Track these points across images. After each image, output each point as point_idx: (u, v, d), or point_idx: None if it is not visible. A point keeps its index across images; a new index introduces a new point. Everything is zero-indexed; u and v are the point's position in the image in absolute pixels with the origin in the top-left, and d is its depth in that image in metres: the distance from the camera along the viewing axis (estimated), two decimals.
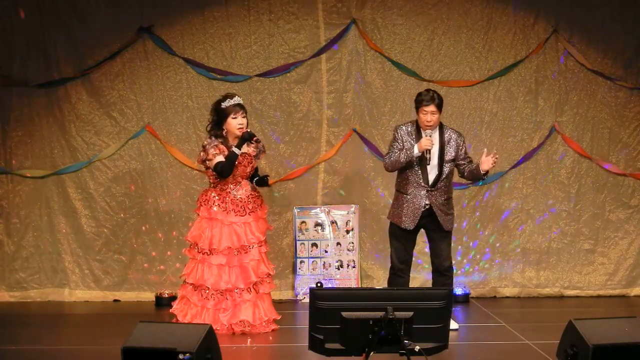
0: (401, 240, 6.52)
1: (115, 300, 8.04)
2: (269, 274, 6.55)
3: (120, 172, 8.08)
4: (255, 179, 6.65)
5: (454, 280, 7.96)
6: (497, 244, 8.18)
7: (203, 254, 6.41)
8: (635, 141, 8.21)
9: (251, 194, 6.56)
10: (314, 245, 8.05)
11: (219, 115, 6.47)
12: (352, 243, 8.05)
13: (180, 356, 4.27)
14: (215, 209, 6.43)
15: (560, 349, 4.70)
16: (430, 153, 6.32)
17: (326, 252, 8.04)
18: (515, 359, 5.74)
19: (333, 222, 8.05)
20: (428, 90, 6.49)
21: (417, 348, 3.93)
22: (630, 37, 8.15)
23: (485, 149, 6.52)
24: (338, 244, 8.06)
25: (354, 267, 8.03)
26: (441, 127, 6.48)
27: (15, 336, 6.54)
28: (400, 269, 6.52)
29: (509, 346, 6.06)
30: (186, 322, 6.29)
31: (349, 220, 8.06)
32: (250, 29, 8.10)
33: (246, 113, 6.53)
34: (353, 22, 8.07)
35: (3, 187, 8.06)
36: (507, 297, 8.14)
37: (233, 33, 8.09)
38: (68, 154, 8.05)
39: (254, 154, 6.57)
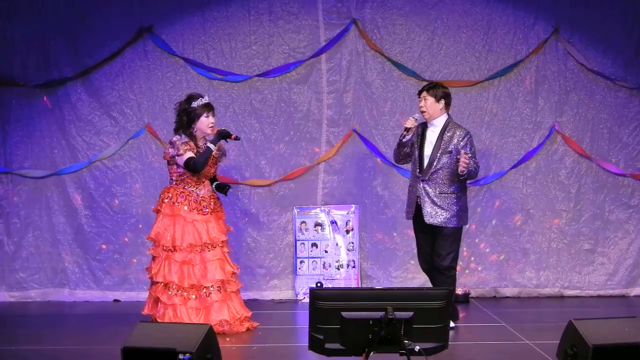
0: (418, 237, 6.65)
1: (115, 300, 8.05)
2: (234, 273, 6.55)
3: (120, 172, 8.08)
4: (215, 183, 6.61)
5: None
6: (497, 244, 8.17)
7: (167, 251, 6.39)
8: (635, 141, 8.21)
9: (212, 194, 6.57)
10: (314, 245, 8.05)
11: (189, 116, 6.45)
12: (352, 243, 8.05)
13: (180, 356, 4.27)
14: (178, 206, 6.41)
15: (560, 349, 4.70)
16: (409, 132, 6.40)
17: (326, 252, 8.03)
18: (515, 359, 5.74)
19: (333, 222, 8.05)
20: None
21: (417, 348, 3.93)
22: (630, 37, 8.15)
23: (462, 151, 6.35)
24: (338, 244, 8.06)
25: (354, 267, 8.03)
26: (448, 120, 6.53)
27: (15, 336, 6.53)
28: (425, 269, 6.68)
29: (509, 346, 6.06)
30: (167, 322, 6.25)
31: (349, 220, 8.05)
32: (250, 29, 8.10)
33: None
34: (353, 22, 8.07)
35: (3, 187, 8.07)
36: (507, 297, 8.14)
37: (233, 33, 8.10)
38: (68, 154, 8.06)
39: (217, 156, 6.58)
